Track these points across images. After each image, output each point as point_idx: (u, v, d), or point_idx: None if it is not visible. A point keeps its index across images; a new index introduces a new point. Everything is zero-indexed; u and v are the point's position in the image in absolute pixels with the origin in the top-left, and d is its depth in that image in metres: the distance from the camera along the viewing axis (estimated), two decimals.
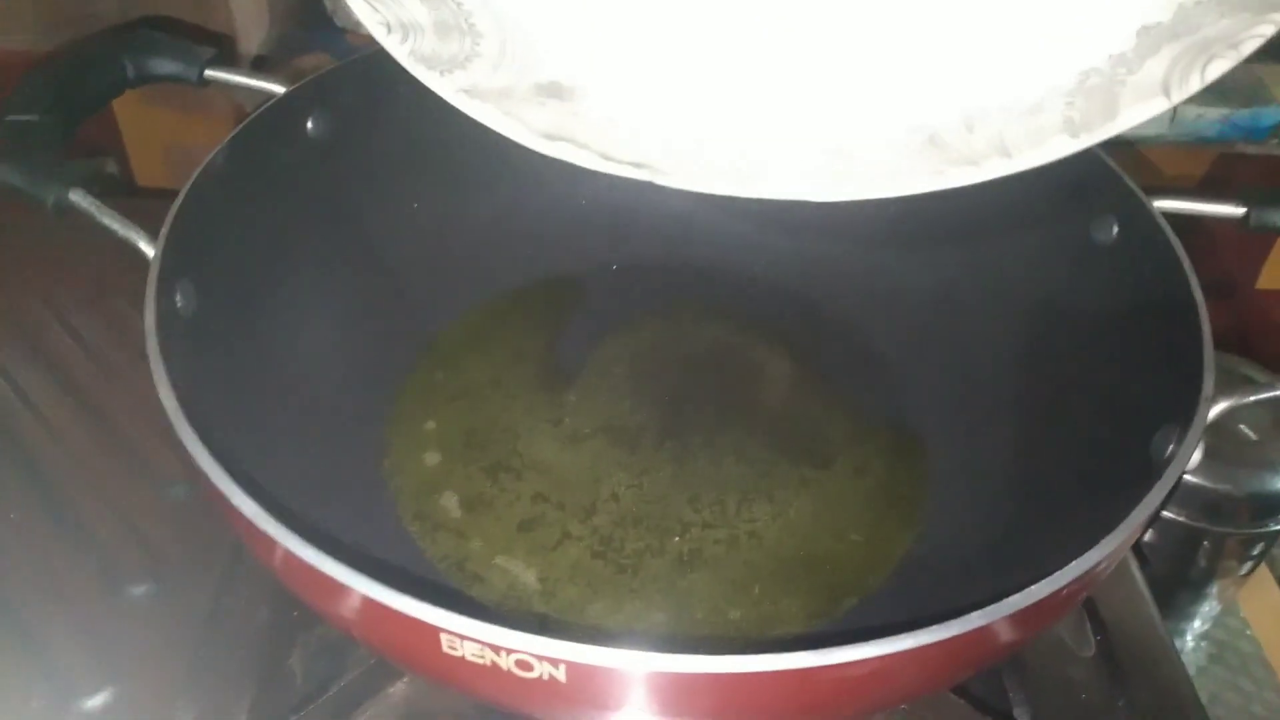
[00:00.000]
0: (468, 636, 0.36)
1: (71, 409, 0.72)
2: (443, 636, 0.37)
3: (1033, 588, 0.39)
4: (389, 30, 0.49)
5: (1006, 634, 0.40)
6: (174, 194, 0.56)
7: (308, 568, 0.39)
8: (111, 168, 1.07)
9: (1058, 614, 0.50)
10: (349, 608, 0.40)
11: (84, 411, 0.72)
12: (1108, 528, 0.42)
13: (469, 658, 0.37)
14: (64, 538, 0.64)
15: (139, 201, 0.73)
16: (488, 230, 0.74)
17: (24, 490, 0.66)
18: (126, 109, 1.09)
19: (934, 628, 0.37)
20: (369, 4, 0.49)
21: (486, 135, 0.73)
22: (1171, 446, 0.47)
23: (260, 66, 1.08)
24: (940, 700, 0.53)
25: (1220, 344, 0.70)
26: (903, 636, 0.37)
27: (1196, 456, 0.47)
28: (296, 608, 0.58)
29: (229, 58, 1.00)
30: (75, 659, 0.58)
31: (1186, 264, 0.53)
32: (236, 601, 0.59)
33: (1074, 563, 0.40)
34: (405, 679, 0.55)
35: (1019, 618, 0.39)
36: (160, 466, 0.68)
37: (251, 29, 1.07)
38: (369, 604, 0.38)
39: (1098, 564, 0.40)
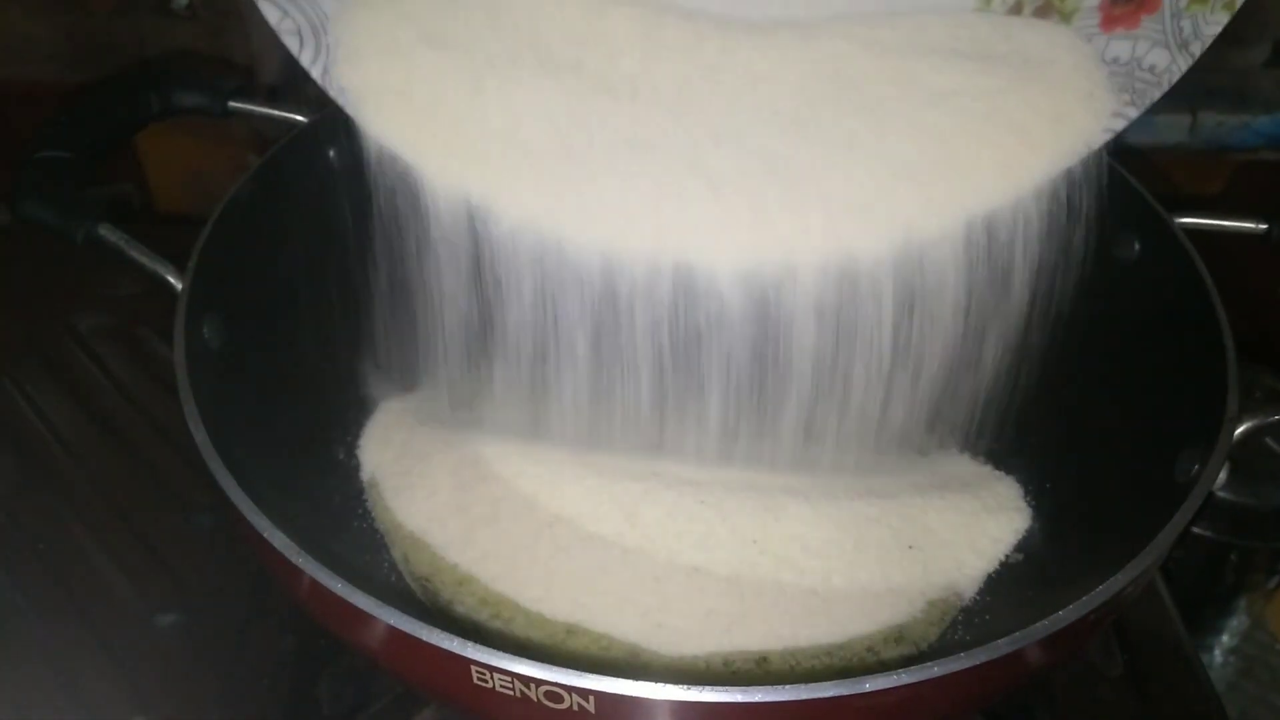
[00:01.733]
0: (497, 669, 0.36)
1: (97, 437, 0.73)
2: (473, 669, 0.37)
3: (1060, 614, 0.39)
4: None
5: (1034, 659, 0.40)
6: (194, 220, 0.56)
7: (336, 600, 0.39)
8: (131, 196, 1.09)
9: (1085, 639, 0.49)
10: (377, 639, 0.40)
11: (110, 440, 0.72)
12: (1133, 551, 0.42)
13: (499, 689, 0.37)
14: (92, 567, 0.64)
15: (161, 229, 0.74)
16: None
17: (51, 519, 0.67)
18: (147, 137, 1.10)
19: (962, 655, 0.37)
20: None
21: None
22: (1196, 467, 0.46)
23: (276, 95, 1.09)
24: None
25: (1244, 354, 0.70)
26: (931, 665, 0.37)
27: (1222, 477, 0.46)
28: (323, 636, 0.58)
29: (247, 87, 1.01)
30: (105, 688, 0.58)
31: (1209, 282, 0.53)
32: (263, 630, 0.60)
33: (1100, 588, 0.40)
34: (432, 707, 0.55)
35: (1047, 644, 0.39)
36: (186, 495, 0.68)
37: (268, 58, 1.08)
38: (398, 636, 0.38)
39: (1124, 588, 0.40)
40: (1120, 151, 0.61)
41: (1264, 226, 0.57)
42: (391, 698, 0.54)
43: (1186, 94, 1.09)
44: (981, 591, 0.58)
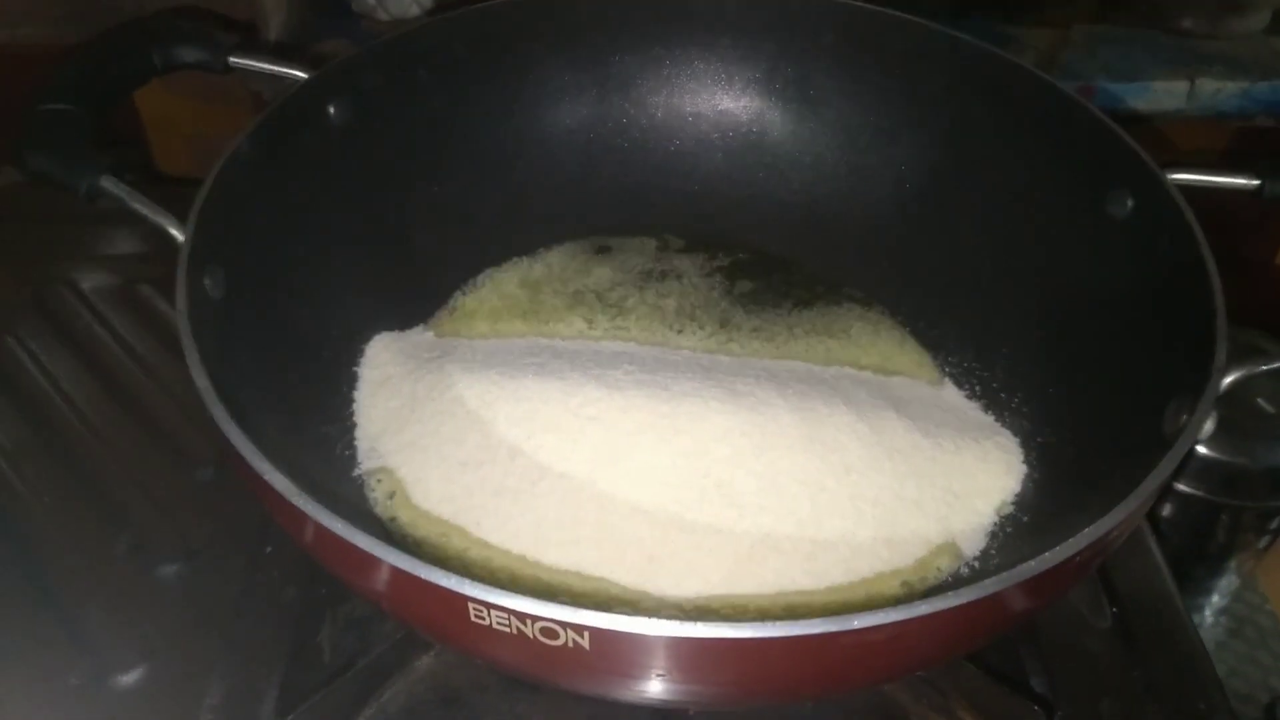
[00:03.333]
0: (494, 605, 0.37)
1: (102, 394, 0.73)
2: (470, 606, 0.38)
3: (1045, 555, 0.40)
4: None
5: (1020, 601, 0.41)
6: (196, 181, 0.56)
7: (338, 541, 0.40)
8: (133, 157, 1.09)
9: (1070, 582, 0.50)
10: (378, 580, 0.41)
11: (114, 396, 0.73)
12: (1119, 497, 0.42)
13: (495, 626, 0.38)
14: (97, 519, 0.65)
15: (163, 188, 0.74)
16: (504, 208, 0.75)
17: (58, 473, 0.68)
18: (148, 98, 1.10)
19: (949, 595, 0.38)
20: None
21: (503, 118, 0.74)
22: (1184, 417, 0.47)
23: (280, 53, 1.09)
24: (957, 668, 0.54)
25: (1239, 318, 0.71)
26: (919, 604, 0.37)
27: (1209, 427, 0.47)
28: (324, 585, 0.60)
29: (251, 44, 1.01)
30: (110, 637, 0.59)
31: (1200, 236, 0.53)
32: (265, 580, 0.60)
33: (1084, 531, 0.40)
34: (432, 653, 0.56)
35: (1031, 585, 0.40)
36: (189, 449, 0.69)
37: (272, 16, 1.08)
38: (398, 575, 0.39)
39: (1109, 533, 0.41)
40: (1114, 112, 0.62)
41: (1256, 182, 0.57)
42: (391, 644, 0.55)
43: (1185, 60, 1.09)
44: (984, 549, 0.59)
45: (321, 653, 0.57)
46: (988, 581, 0.38)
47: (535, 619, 0.37)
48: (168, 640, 0.59)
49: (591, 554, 0.55)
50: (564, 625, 0.37)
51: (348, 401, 0.64)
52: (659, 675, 0.39)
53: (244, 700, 0.55)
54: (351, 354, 0.67)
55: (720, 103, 0.77)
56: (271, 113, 0.61)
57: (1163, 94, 1.08)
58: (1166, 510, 0.76)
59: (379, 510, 0.58)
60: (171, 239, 0.53)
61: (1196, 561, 0.78)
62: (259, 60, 0.66)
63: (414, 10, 1.08)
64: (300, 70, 0.65)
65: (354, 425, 0.63)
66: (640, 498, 0.56)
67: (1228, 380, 0.48)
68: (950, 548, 0.57)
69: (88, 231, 0.85)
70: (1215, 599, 0.81)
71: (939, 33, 0.69)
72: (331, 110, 0.66)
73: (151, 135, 1.15)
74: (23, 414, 0.72)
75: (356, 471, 0.61)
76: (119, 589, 0.61)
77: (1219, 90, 1.08)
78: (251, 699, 0.55)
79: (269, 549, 0.61)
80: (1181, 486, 0.74)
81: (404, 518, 0.57)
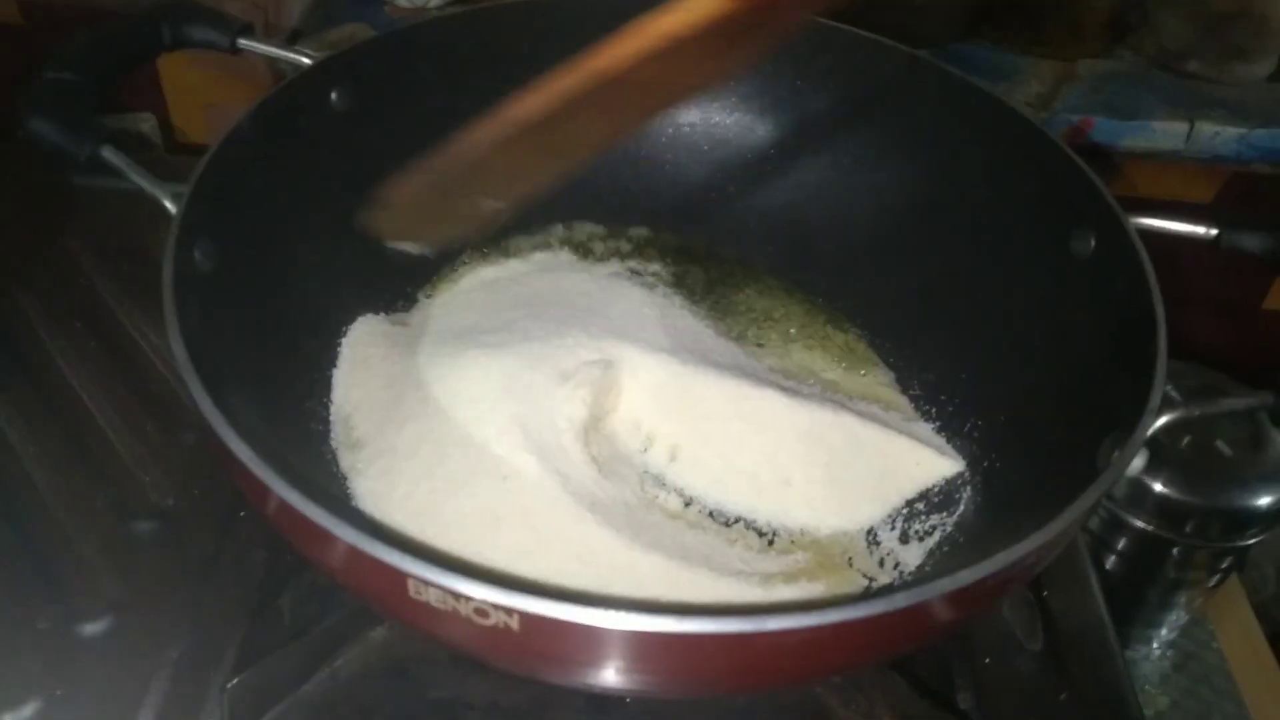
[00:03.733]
0: (431, 582, 0.39)
1: (96, 354, 0.75)
2: (409, 581, 0.40)
3: (961, 573, 0.42)
4: None
5: (934, 615, 0.43)
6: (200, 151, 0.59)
7: (294, 513, 0.42)
8: (147, 125, 1.12)
9: (986, 601, 0.52)
10: (331, 552, 0.43)
11: (108, 357, 0.75)
12: (1044, 521, 0.44)
13: (433, 603, 0.40)
14: (80, 474, 0.67)
15: (177, 159, 0.76)
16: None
17: (47, 427, 0.70)
18: (170, 69, 1.13)
19: (862, 603, 0.40)
20: None
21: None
22: (1116, 453, 0.49)
23: (297, 38, 1.11)
24: (886, 678, 0.56)
25: (1220, 361, 0.72)
26: (831, 610, 0.39)
27: (1138, 464, 0.49)
28: (291, 552, 0.62)
29: (272, 26, 1.04)
30: (81, 587, 0.61)
31: (1153, 280, 0.55)
32: (235, 543, 0.63)
33: (999, 554, 0.42)
34: (385, 625, 0.58)
35: (946, 600, 0.42)
36: (177, 413, 0.71)
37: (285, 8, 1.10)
38: (345, 548, 0.41)
39: (1024, 557, 0.43)
40: (1104, 151, 0.63)
41: (1214, 232, 0.59)
42: (349, 611, 0.57)
43: (1187, 102, 1.11)
44: (919, 565, 0.61)
45: (282, 615, 0.59)
46: (899, 595, 0.40)
47: (468, 599, 0.39)
48: (136, 594, 0.61)
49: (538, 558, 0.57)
50: (494, 607, 0.39)
51: (328, 379, 0.67)
52: (583, 661, 0.42)
53: (204, 655, 0.57)
54: (335, 334, 0.69)
55: (712, 115, 0.79)
56: (274, 94, 0.64)
57: (1161, 134, 1.09)
58: (1121, 543, 0.78)
59: (347, 485, 0.60)
60: (167, 211, 0.56)
61: (1147, 595, 0.80)
62: (266, 44, 0.68)
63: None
64: (306, 55, 0.67)
65: (330, 402, 0.65)
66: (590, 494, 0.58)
67: (1161, 421, 0.50)
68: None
69: (89, 194, 0.87)
70: (1164, 633, 0.82)
71: (928, 64, 0.71)
72: (334, 96, 0.68)
73: (171, 105, 1.18)
74: (21, 368, 0.74)
75: (328, 445, 0.63)
76: (94, 542, 0.63)
77: (1217, 134, 1.09)
78: (212, 654, 0.57)
79: (242, 514, 0.64)
80: (1136, 522, 0.76)
81: (366, 494, 0.59)
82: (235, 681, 0.54)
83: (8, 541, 0.63)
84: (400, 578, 0.40)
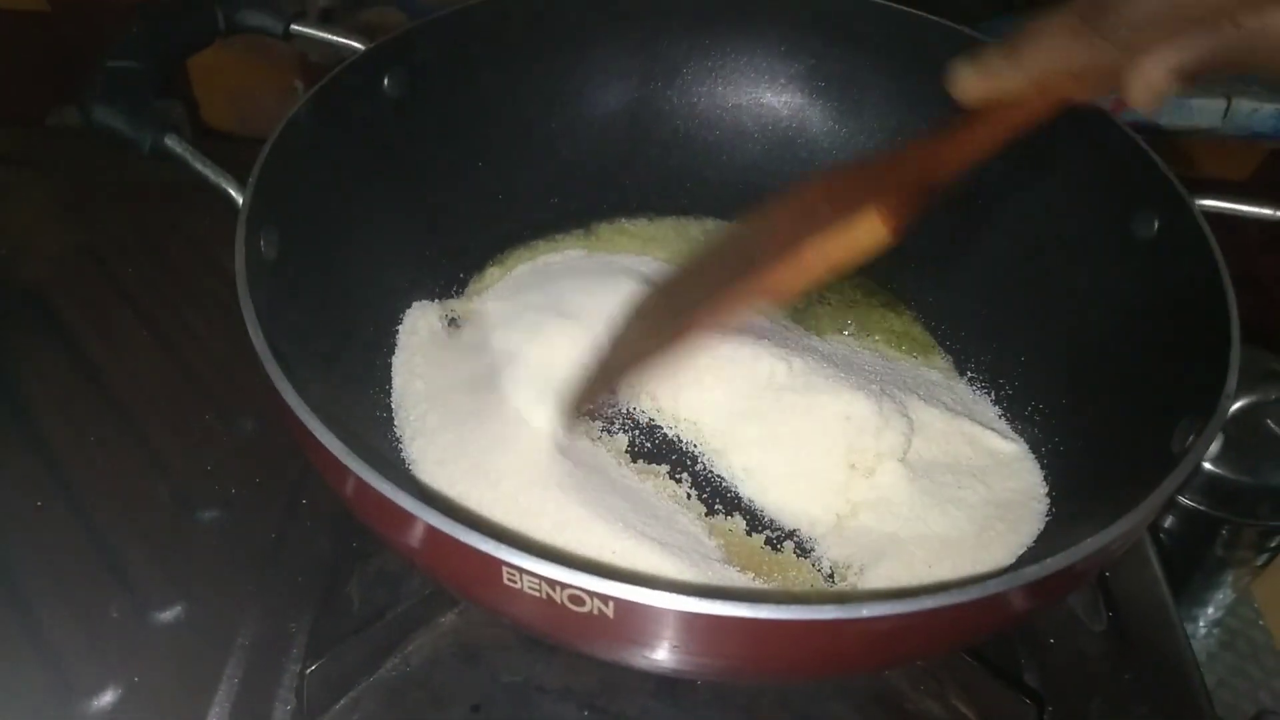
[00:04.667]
0: (527, 570, 0.39)
1: (147, 343, 0.76)
2: (504, 569, 0.40)
3: (1047, 561, 0.42)
4: None
5: (1021, 603, 0.43)
6: (239, 139, 0.58)
7: (382, 499, 0.42)
8: (174, 113, 1.11)
9: (1070, 587, 0.52)
10: (416, 538, 0.43)
11: (159, 347, 0.76)
12: (1124, 509, 0.44)
13: (526, 590, 0.40)
14: (140, 465, 0.68)
15: (209, 143, 0.76)
16: (545, 187, 0.78)
17: (104, 420, 0.70)
18: (197, 56, 1.12)
19: (955, 591, 0.40)
20: None
21: (550, 99, 0.76)
22: (1191, 438, 0.49)
23: (328, 19, 1.11)
24: (954, 660, 0.56)
25: (1251, 338, 0.72)
26: (925, 597, 0.39)
27: (1215, 448, 0.49)
28: (356, 539, 0.62)
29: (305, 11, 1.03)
30: (150, 576, 0.61)
31: (1222, 264, 0.55)
32: (300, 531, 0.63)
33: (1087, 541, 0.42)
34: (456, 610, 0.58)
35: (1033, 588, 0.42)
36: (230, 401, 0.71)
37: None
38: (436, 535, 0.41)
39: (1110, 543, 0.43)
40: (1147, 131, 0.63)
41: (1279, 214, 0.59)
42: (419, 599, 0.57)
43: (1223, 79, 1.10)
44: None
45: (351, 603, 0.60)
46: (990, 582, 0.40)
47: (565, 586, 0.39)
48: (204, 582, 0.61)
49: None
50: (591, 594, 0.39)
51: (387, 365, 0.67)
52: (675, 647, 0.42)
53: (275, 642, 0.58)
54: (392, 319, 0.69)
55: (762, 96, 0.79)
56: (330, 81, 0.63)
57: (1198, 111, 1.08)
58: (1168, 522, 0.78)
59: (413, 470, 0.61)
60: (231, 200, 0.56)
61: (1194, 573, 0.80)
62: (319, 29, 0.68)
63: None
64: (358, 41, 0.67)
65: (390, 389, 0.66)
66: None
67: (1237, 405, 0.50)
68: None
69: (143, 180, 0.86)
70: (1210, 611, 0.83)
71: (982, 42, 0.70)
72: (386, 81, 0.68)
73: (198, 91, 1.17)
74: (71, 358, 0.74)
75: (393, 432, 0.63)
76: (159, 532, 0.64)
77: (1255, 110, 1.08)
78: (282, 641, 0.58)
79: (304, 501, 0.64)
80: (1185, 500, 0.76)
81: (432, 477, 0.60)
82: (313, 668, 0.54)
83: (76, 533, 0.63)
84: (494, 564, 0.40)
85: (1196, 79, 0.41)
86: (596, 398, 0.55)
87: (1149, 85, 0.42)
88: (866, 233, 0.45)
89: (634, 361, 0.53)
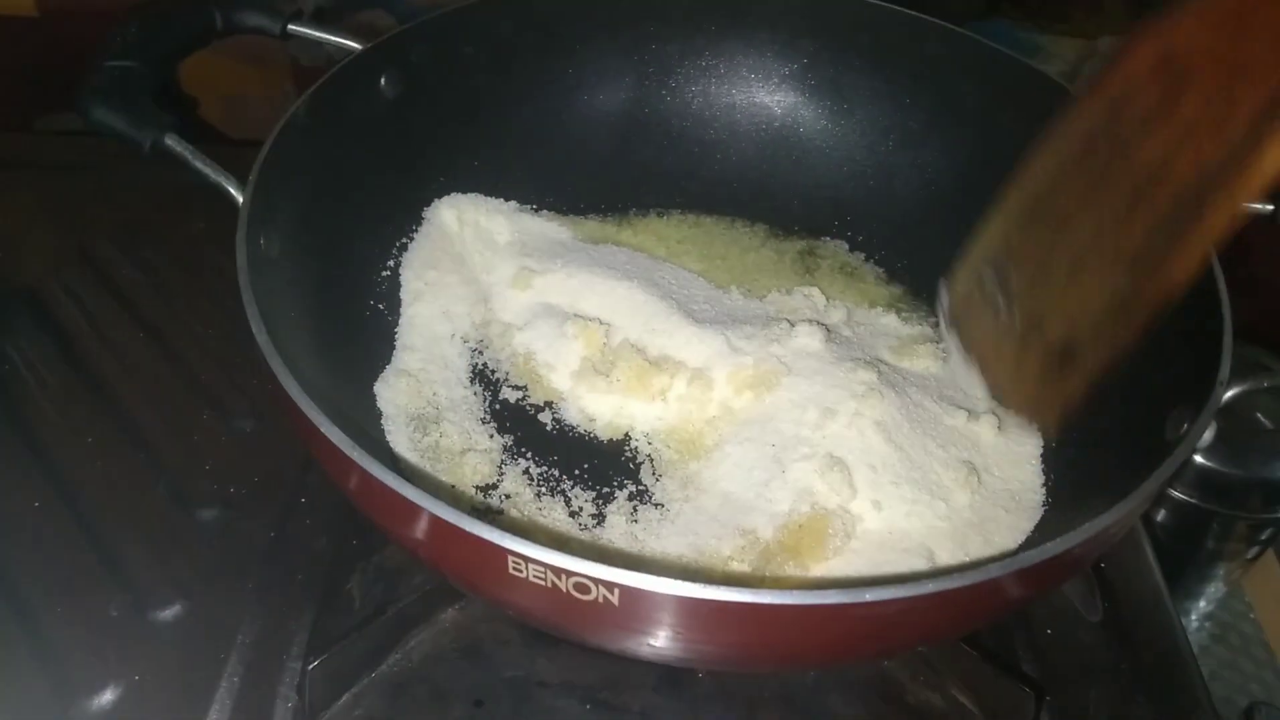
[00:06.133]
0: (533, 559, 0.40)
1: (144, 343, 0.76)
2: (509, 559, 0.40)
3: (1046, 545, 0.43)
4: None
5: (1021, 587, 0.44)
6: (227, 140, 0.59)
7: (386, 491, 0.42)
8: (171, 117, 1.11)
9: (1068, 572, 0.53)
10: (420, 530, 0.43)
11: (155, 347, 0.76)
12: (1119, 496, 0.45)
13: (532, 579, 0.41)
14: (138, 464, 0.68)
15: (203, 146, 0.76)
16: (540, 183, 0.78)
17: (101, 418, 0.70)
18: (189, 58, 1.12)
19: (956, 575, 0.40)
20: None
21: (544, 98, 0.77)
22: (1185, 426, 0.49)
23: (320, 20, 1.11)
24: (954, 650, 0.57)
25: (1245, 336, 0.73)
26: (926, 581, 0.40)
27: (1208, 436, 0.49)
28: (355, 537, 0.62)
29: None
30: (149, 575, 0.61)
31: (1213, 258, 0.55)
32: (299, 529, 0.63)
33: (1083, 526, 0.43)
34: (457, 606, 0.58)
35: (1032, 573, 0.43)
36: (228, 401, 0.71)
37: None
38: (442, 526, 0.41)
39: (1106, 529, 0.44)
40: None
41: (1270, 208, 0.59)
42: (419, 595, 0.58)
43: None
44: None
45: (351, 600, 0.60)
46: (991, 566, 0.41)
47: (571, 574, 0.40)
48: (203, 581, 0.61)
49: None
50: (597, 581, 0.40)
51: (386, 356, 0.67)
52: (679, 633, 0.42)
53: (275, 639, 0.58)
54: (391, 309, 0.70)
55: (756, 95, 0.80)
56: (327, 81, 0.64)
57: None
58: (1161, 515, 0.79)
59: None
60: (231, 198, 0.56)
61: (1187, 566, 0.81)
62: (316, 29, 0.68)
63: None
64: (354, 41, 0.67)
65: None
66: None
67: (1229, 394, 0.50)
68: None
69: (133, 182, 0.86)
70: (1202, 604, 0.83)
71: (973, 41, 0.71)
72: (383, 81, 0.68)
73: (189, 92, 1.17)
74: (68, 359, 0.74)
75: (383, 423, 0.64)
76: (158, 531, 0.64)
77: None
78: (282, 639, 0.58)
79: (303, 499, 0.64)
80: (1177, 493, 0.76)
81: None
82: (315, 664, 0.54)
83: (75, 532, 0.63)
84: (500, 555, 0.40)
85: None
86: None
87: None
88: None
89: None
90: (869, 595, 0.40)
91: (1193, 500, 0.76)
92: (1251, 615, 0.83)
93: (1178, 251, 0.42)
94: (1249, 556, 0.81)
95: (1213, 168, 0.39)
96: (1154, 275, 0.43)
